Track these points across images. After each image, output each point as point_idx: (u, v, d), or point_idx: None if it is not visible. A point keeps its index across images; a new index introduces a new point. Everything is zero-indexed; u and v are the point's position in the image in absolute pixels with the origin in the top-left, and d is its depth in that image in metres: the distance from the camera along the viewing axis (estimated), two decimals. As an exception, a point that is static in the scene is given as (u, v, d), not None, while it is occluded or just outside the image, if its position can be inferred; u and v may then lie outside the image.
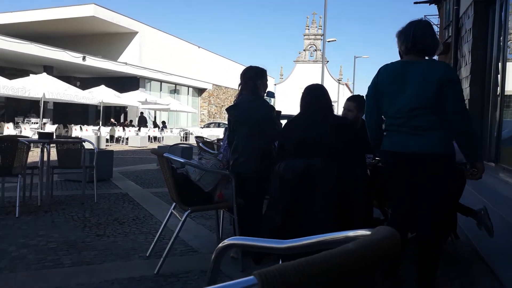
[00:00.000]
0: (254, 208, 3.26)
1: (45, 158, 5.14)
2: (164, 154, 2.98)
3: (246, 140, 3.28)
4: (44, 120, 16.44)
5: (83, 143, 5.60)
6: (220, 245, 1.14)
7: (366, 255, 0.58)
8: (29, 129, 14.44)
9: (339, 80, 52.38)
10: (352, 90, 49.61)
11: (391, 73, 2.57)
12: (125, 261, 3.26)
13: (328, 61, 48.95)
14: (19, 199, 4.65)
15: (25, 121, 17.91)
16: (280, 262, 2.59)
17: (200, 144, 5.48)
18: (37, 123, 16.64)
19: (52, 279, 2.82)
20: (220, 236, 3.75)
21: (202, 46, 31.66)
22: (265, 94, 3.45)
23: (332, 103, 3.09)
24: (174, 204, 3.36)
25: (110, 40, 24.68)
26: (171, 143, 16.09)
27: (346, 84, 56.65)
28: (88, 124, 20.36)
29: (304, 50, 55.75)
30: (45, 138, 4.99)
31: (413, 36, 2.50)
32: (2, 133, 14.40)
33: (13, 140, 4.63)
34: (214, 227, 4.38)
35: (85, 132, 16.42)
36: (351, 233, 0.84)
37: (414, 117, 2.48)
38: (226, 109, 3.44)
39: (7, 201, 5.18)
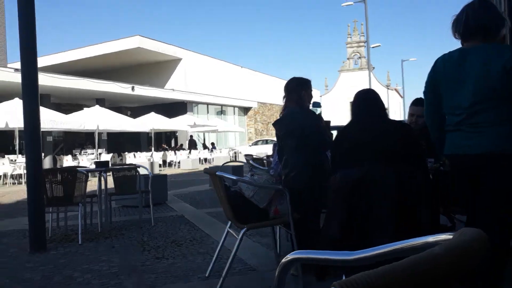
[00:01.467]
0: (311, 222, 3.15)
1: (103, 186, 5.33)
2: (217, 173, 2.97)
3: (294, 153, 3.21)
4: (100, 150, 17.22)
5: (137, 169, 5.76)
6: (284, 260, 1.07)
7: (456, 258, 0.50)
8: (86, 160, 15.16)
9: (387, 86, 51.19)
10: (402, 95, 48.22)
11: (448, 63, 2.29)
12: (185, 282, 3.25)
13: (374, 68, 47.99)
14: (81, 226, 4.82)
15: (82, 153, 18.84)
16: (344, 276, 2.47)
17: (251, 161, 5.47)
18: (93, 153, 17.46)
19: (116, 303, 2.85)
20: (278, 252, 3.66)
21: (245, 66, 32.19)
22: (311, 105, 3.37)
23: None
24: (229, 222, 3.33)
25: (156, 68, 25.67)
26: (221, 163, 16.30)
27: (395, 89, 55.22)
28: (141, 151, 21.10)
29: (348, 58, 55.14)
30: (101, 167, 5.18)
31: (466, 18, 2.20)
32: (62, 165, 15.23)
33: (72, 170, 4.83)
34: (271, 244, 4.30)
35: (138, 159, 17.00)
36: (431, 238, 0.75)
37: (475, 113, 2.19)
38: (273, 124, 3.39)
39: (70, 229, 5.40)
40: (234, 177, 3.04)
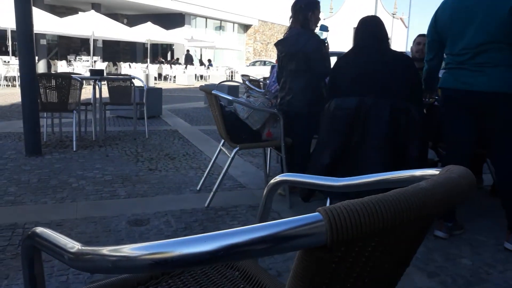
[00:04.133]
0: (302, 147, 3.22)
1: (97, 95, 5.31)
2: (212, 91, 2.96)
3: (294, 76, 3.18)
4: (95, 58, 16.86)
5: (133, 80, 5.70)
6: (272, 181, 1.12)
7: (442, 194, 0.53)
8: (81, 67, 14.91)
9: (393, 14, 49.26)
10: (407, 25, 46.66)
11: (456, 3, 2.32)
12: (176, 194, 3.39)
13: (381, -6, 45.79)
14: (75, 133, 4.89)
15: (76, 59, 18.46)
16: (328, 201, 2.59)
17: (247, 83, 5.42)
18: (88, 61, 17.11)
19: (109, 208, 3.00)
20: (267, 173, 3.78)
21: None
22: (318, 28, 3.27)
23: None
24: (223, 141, 3.40)
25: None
26: (217, 81, 16.12)
27: (400, 19, 53.27)
28: (136, 62, 20.69)
29: (355, -19, 52.29)
30: (96, 75, 5.11)
31: None
32: (56, 71, 14.98)
33: (67, 77, 4.77)
34: (261, 164, 4.44)
35: (133, 70, 16.74)
36: (418, 172, 0.79)
37: (480, 53, 2.27)
38: (275, 44, 3.31)
39: (64, 135, 5.47)
40: (230, 98, 3.04)
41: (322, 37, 3.30)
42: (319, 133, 2.87)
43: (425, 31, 3.39)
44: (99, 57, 19.08)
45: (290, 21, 3.23)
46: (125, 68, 17.26)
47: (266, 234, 0.46)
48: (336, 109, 2.52)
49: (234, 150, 3.05)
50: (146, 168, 4.14)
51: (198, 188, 3.50)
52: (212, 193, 3.13)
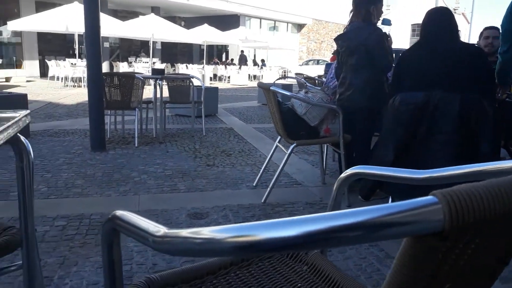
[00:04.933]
0: (362, 144, 3.13)
1: (158, 94, 5.49)
2: (271, 88, 2.95)
3: (354, 71, 3.08)
4: (154, 59, 17.47)
5: (191, 79, 5.83)
6: (343, 174, 1.08)
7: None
8: (141, 68, 15.50)
9: (454, 10, 46.88)
10: (469, 21, 44.21)
11: None
12: (233, 189, 3.42)
13: (442, -12, 43.74)
14: (137, 130, 5.07)
15: (137, 61, 19.24)
16: (390, 199, 2.48)
17: (302, 80, 5.37)
18: (147, 62, 17.78)
19: (170, 202, 3.07)
20: (324, 170, 3.71)
21: (302, -21, 30.28)
22: (380, 22, 3.16)
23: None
24: (279, 137, 3.38)
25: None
26: (270, 81, 16.15)
27: (463, 14, 50.59)
28: (192, 63, 21.22)
29: (414, -24, 50.31)
30: (157, 74, 5.28)
31: None
32: (119, 71, 15.70)
33: (130, 76, 4.97)
34: (317, 162, 4.37)
35: (190, 71, 17.16)
36: (507, 164, 0.72)
37: None
38: (334, 39, 3.24)
39: (126, 132, 5.70)
40: (288, 93, 3.01)
41: (384, 31, 3.18)
42: (381, 129, 2.76)
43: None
44: (158, 58, 19.77)
45: (351, 15, 3.14)
46: (182, 69, 17.75)
47: (370, 218, 0.43)
48: (401, 104, 2.41)
49: (291, 147, 3.02)
50: (204, 164, 4.21)
51: (254, 184, 3.51)
52: (268, 189, 3.12)
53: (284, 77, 20.76)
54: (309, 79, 6.40)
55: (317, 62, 25.66)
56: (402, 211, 0.41)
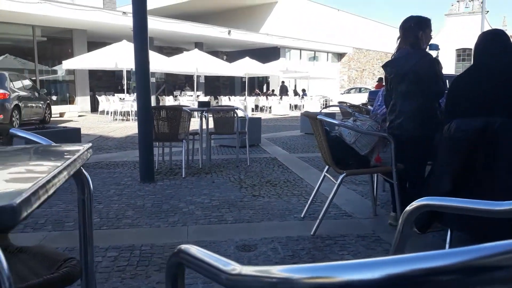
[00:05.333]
0: (416, 173, 3.00)
1: (204, 125, 5.60)
2: (318, 117, 2.92)
3: (404, 98, 3.00)
4: (198, 93, 17.99)
5: (236, 110, 5.91)
6: (409, 207, 1.02)
7: None
8: (186, 101, 15.96)
9: (501, 33, 45.33)
10: (518, 43, 42.46)
11: None
12: (281, 221, 3.36)
13: (488, 11, 42.65)
14: (184, 162, 5.16)
15: (181, 94, 19.87)
16: (449, 232, 2.34)
17: (348, 108, 5.31)
18: (191, 95, 18.32)
19: (218, 233, 3.06)
20: (375, 201, 3.59)
21: (342, 9, 30.58)
22: (428, 47, 3.09)
23: None
24: (327, 167, 3.32)
25: (252, 13, 25.52)
26: (312, 110, 16.13)
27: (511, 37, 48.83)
28: (235, 95, 21.65)
29: (458, 1, 49.50)
30: (203, 107, 5.40)
31: None
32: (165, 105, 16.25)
33: (177, 109, 5.11)
34: (366, 192, 4.24)
35: (233, 102, 17.49)
36: None
37: None
38: (382, 66, 3.19)
39: (174, 163, 5.81)
40: (336, 122, 2.97)
41: (434, 56, 3.10)
42: (435, 157, 2.64)
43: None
44: (202, 91, 20.33)
45: (398, 41, 3.09)
46: (225, 101, 18.14)
47: (471, 259, 0.38)
48: (457, 131, 2.31)
49: (341, 177, 2.95)
50: (250, 194, 4.19)
51: (302, 216, 3.44)
52: (318, 221, 3.04)
53: (326, 106, 20.69)
54: (354, 107, 6.32)
55: (359, 90, 25.45)
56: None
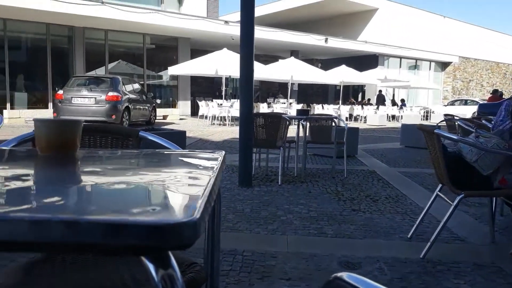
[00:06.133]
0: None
1: (301, 133, 5.55)
2: (435, 131, 2.70)
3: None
4: (290, 100, 18.08)
5: (334, 120, 5.78)
6: None
7: None
8: (279, 108, 16.12)
9: None
10: None
11: None
12: (385, 239, 3.16)
13: None
14: (281, 169, 5.15)
15: (275, 101, 20.13)
16: None
17: (459, 123, 4.88)
18: (284, 103, 18.47)
19: (318, 246, 2.97)
20: (493, 227, 3.22)
21: (449, 16, 28.70)
22: None
23: None
24: (440, 186, 3.06)
25: (350, 20, 25.06)
26: (410, 122, 15.25)
27: None
28: (327, 103, 21.37)
29: None
30: (302, 115, 5.36)
31: None
32: (259, 112, 16.57)
33: (277, 116, 5.13)
34: (480, 215, 3.85)
35: (326, 111, 17.27)
36: None
37: None
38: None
39: (269, 170, 5.85)
40: (456, 137, 2.72)
41: None
42: None
43: None
44: (295, 99, 20.41)
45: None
46: (318, 109, 17.97)
47: None
48: None
49: (458, 198, 2.69)
50: (349, 208, 4.03)
51: (409, 236, 3.20)
52: (429, 243, 2.80)
53: (426, 119, 19.48)
54: (471, 121, 5.82)
55: (465, 102, 23.55)
56: None
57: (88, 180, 0.74)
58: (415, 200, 4.41)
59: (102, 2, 14.56)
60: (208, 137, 10.45)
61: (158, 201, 0.61)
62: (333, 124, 5.78)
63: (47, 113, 14.21)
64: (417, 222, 3.23)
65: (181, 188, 0.69)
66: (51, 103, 15.19)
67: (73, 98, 10.99)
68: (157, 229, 0.45)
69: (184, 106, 19.30)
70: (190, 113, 19.47)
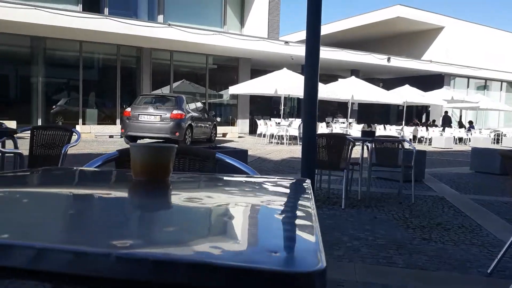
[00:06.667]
0: None
1: (365, 155, 5.38)
2: (522, 158, 2.49)
3: None
4: (350, 120, 17.73)
5: (402, 142, 5.56)
6: None
7: None
8: (338, 128, 15.85)
9: None
10: None
11: None
12: (461, 273, 2.93)
13: None
14: (344, 192, 5.01)
15: (333, 121, 19.84)
16: None
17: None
18: (343, 122, 18.14)
19: (388, 276, 2.81)
20: None
21: (521, 33, 27.02)
22: None
23: None
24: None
25: (414, 39, 24.35)
26: (479, 145, 14.35)
27: None
28: (389, 124, 20.72)
29: None
30: (368, 136, 5.21)
31: None
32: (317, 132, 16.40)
33: (341, 137, 5.02)
34: None
35: (388, 132, 16.74)
36: None
37: None
38: None
39: (331, 192, 5.71)
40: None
41: None
42: None
43: None
44: (354, 119, 20.01)
45: None
46: (380, 130, 17.46)
47: None
48: None
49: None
50: (419, 236, 3.81)
51: (489, 271, 2.94)
52: (514, 281, 2.55)
53: (497, 142, 18.28)
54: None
55: (541, 125, 21.84)
56: None
57: (193, 212, 0.72)
58: (492, 231, 4.08)
59: (169, 24, 15.28)
60: (267, 156, 10.47)
61: (274, 241, 0.58)
62: (401, 146, 5.54)
63: (115, 129, 15.00)
64: (499, 256, 2.96)
65: (289, 225, 0.65)
66: (119, 120, 16.05)
67: (140, 116, 11.51)
68: (287, 278, 0.41)
69: (242, 124, 19.58)
70: (248, 131, 19.70)
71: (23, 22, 12.50)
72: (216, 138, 15.45)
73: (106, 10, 16.38)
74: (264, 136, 15.75)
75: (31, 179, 1.03)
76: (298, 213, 0.75)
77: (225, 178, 1.11)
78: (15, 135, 3.47)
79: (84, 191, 0.91)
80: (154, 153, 0.93)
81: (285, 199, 0.89)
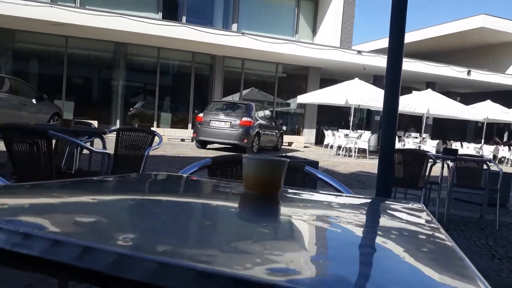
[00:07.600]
0: None
1: (445, 174, 5.06)
2: None
3: None
4: (424, 135, 16.89)
5: (488, 162, 5.17)
6: None
7: None
8: (411, 143, 15.18)
9: None
10: None
11: None
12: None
13: None
14: (421, 212, 4.73)
15: (406, 135, 19.03)
16: None
17: None
18: (417, 137, 17.33)
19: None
20: None
21: None
22: None
23: None
24: None
25: (497, 51, 22.73)
26: None
27: None
28: (466, 141, 19.47)
29: None
30: (450, 154, 4.90)
31: None
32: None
33: (421, 154, 4.77)
34: None
35: (465, 150, 15.72)
36: None
37: None
38: None
39: (405, 211, 5.42)
40: None
41: None
42: None
43: None
44: (428, 134, 19.05)
45: None
46: (456, 147, 16.45)
47: None
48: None
49: None
50: (507, 268, 3.49)
51: None
52: None
53: None
54: None
55: None
56: None
57: (313, 234, 0.69)
58: None
59: (243, 33, 15.59)
60: (334, 168, 10.26)
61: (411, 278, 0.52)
62: (485, 167, 5.15)
63: (187, 133, 15.52)
64: None
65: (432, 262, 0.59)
66: (190, 124, 16.61)
67: (211, 121, 11.82)
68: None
69: (309, 134, 19.41)
70: (314, 141, 19.49)
71: (109, 28, 13.39)
72: (282, 146, 15.44)
73: (184, 18, 17.09)
74: (331, 147, 15.48)
75: (143, 184, 1.06)
76: (446, 247, 0.68)
77: (336, 198, 1.07)
78: (103, 136, 3.68)
79: (202, 201, 0.94)
80: (269, 168, 0.91)
81: (412, 227, 0.82)
